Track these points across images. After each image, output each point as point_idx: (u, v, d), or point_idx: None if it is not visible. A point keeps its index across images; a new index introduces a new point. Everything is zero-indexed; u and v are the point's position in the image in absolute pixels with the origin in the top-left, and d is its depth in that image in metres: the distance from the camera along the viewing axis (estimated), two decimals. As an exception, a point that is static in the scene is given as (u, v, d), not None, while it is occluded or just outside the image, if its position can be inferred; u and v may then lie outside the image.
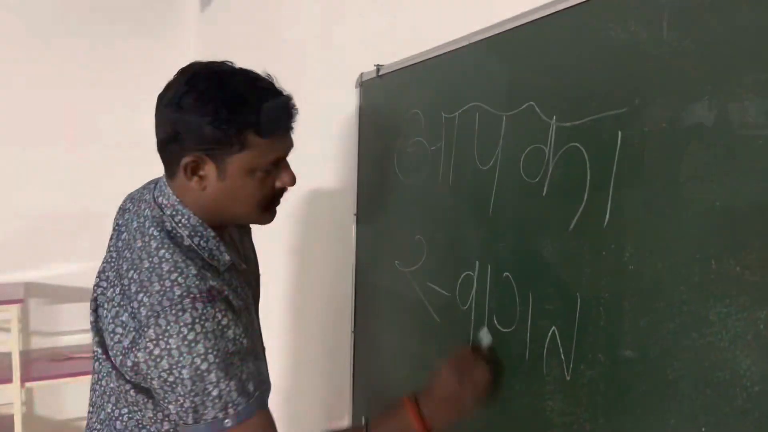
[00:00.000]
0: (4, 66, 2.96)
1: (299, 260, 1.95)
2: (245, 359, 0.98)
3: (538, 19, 0.97)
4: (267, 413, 1.01)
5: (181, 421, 0.96)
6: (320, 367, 1.90)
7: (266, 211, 1.07)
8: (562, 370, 0.92)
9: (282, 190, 1.07)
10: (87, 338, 3.20)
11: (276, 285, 1.89)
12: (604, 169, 0.84)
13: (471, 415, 1.05)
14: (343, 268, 1.64)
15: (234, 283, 1.05)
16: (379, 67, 1.42)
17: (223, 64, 1.02)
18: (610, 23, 0.85)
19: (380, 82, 1.44)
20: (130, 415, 1.05)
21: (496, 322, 1.07)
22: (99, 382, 1.09)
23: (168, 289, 0.94)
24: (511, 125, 1.03)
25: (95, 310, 1.05)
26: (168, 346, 0.92)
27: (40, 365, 2.95)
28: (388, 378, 1.42)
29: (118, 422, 1.07)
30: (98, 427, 1.12)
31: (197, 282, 0.96)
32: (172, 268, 0.97)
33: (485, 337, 1.08)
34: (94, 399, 1.15)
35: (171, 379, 0.93)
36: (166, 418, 1.03)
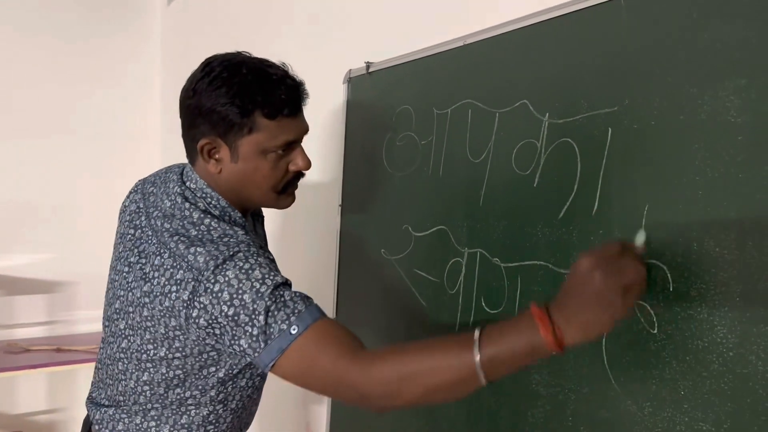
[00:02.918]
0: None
1: (281, 249, 1.99)
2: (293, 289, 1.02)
3: (534, 24, 1.05)
4: (331, 319, 1.00)
5: (256, 354, 0.96)
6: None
7: (282, 195, 1.11)
8: (549, 346, 1.01)
9: (298, 174, 1.11)
10: (44, 330, 3.15)
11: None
12: (594, 162, 0.93)
13: (615, 323, 0.76)
14: (326, 256, 1.70)
15: None
16: (369, 64, 1.49)
17: (238, 54, 1.07)
18: (602, 28, 0.94)
19: (369, 78, 1.50)
20: (153, 391, 1.09)
21: (483, 303, 1.15)
22: (121, 361, 1.11)
23: (223, 243, 1.00)
24: (504, 121, 1.11)
25: (136, 287, 1.06)
26: (227, 278, 0.95)
27: (-5, 357, 2.88)
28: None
29: (141, 396, 1.10)
30: (106, 403, 1.16)
31: (247, 239, 1.03)
32: (222, 234, 1.02)
33: (640, 237, 0.82)
34: (101, 376, 1.18)
35: (232, 311, 0.95)
36: (204, 379, 1.07)
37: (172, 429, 1.11)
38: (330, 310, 1.64)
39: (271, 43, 2.06)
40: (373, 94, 1.50)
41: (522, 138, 1.07)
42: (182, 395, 1.09)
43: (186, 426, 1.12)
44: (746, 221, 0.75)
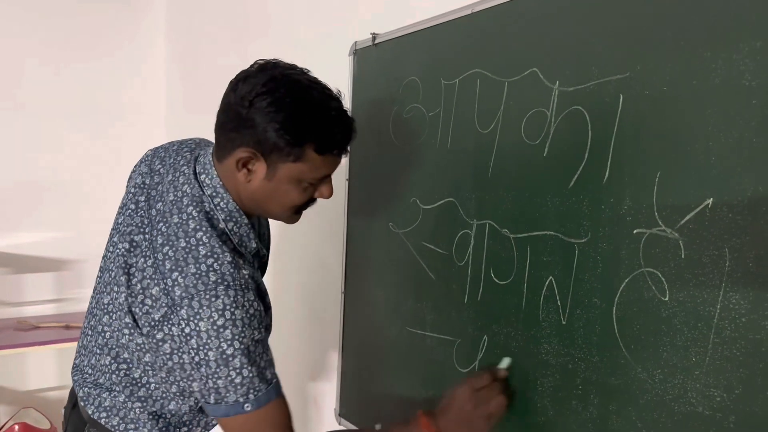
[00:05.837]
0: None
1: (289, 225, 1.98)
2: (266, 348, 1.04)
3: (543, -10, 1.04)
4: (284, 400, 1.06)
5: (203, 399, 1.01)
6: (308, 329, 1.95)
7: (296, 214, 1.14)
8: (558, 315, 1.01)
9: (315, 199, 1.13)
10: (53, 308, 3.17)
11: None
12: (605, 129, 0.92)
13: None
14: (334, 231, 1.70)
15: (254, 268, 1.10)
16: (375, 36, 1.47)
17: (303, 73, 1.03)
18: (613, -5, 0.93)
19: (375, 50, 1.49)
20: (127, 372, 1.09)
21: (492, 275, 1.14)
22: (102, 333, 1.12)
23: (203, 274, 0.98)
24: (513, 90, 1.10)
25: (127, 271, 1.07)
26: (198, 328, 0.96)
27: (5, 335, 2.90)
28: (380, 336, 1.48)
29: (114, 375, 1.11)
30: (89, 371, 1.16)
31: (231, 270, 1.00)
32: (209, 253, 1.00)
33: (505, 362, 1.09)
34: (85, 342, 1.18)
35: (197, 358, 0.97)
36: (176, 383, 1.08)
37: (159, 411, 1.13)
38: (338, 286, 1.65)
39: (276, 14, 2.03)
40: (380, 66, 1.49)
41: (532, 107, 1.05)
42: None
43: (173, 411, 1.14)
44: (760, 186, 0.74)
